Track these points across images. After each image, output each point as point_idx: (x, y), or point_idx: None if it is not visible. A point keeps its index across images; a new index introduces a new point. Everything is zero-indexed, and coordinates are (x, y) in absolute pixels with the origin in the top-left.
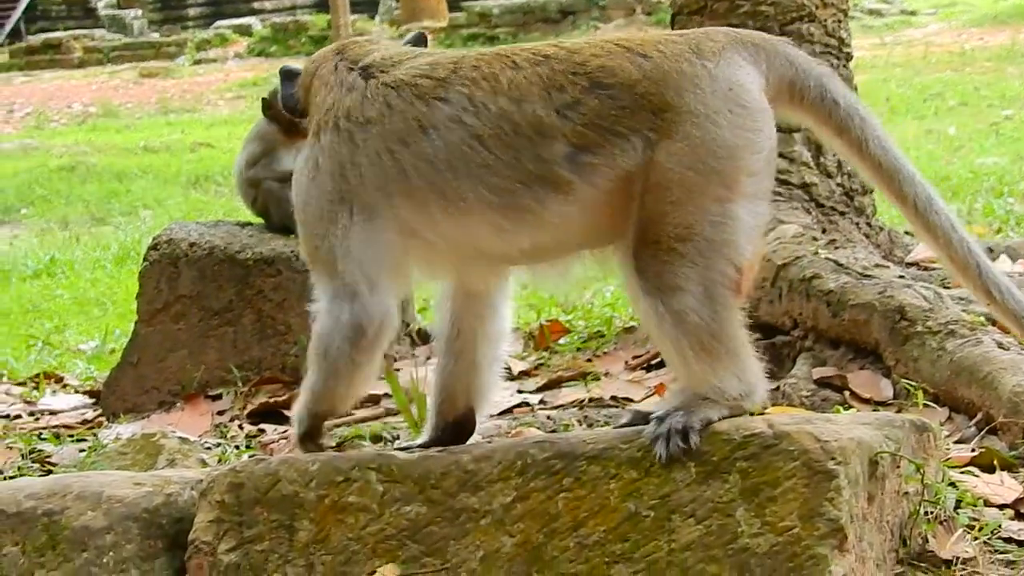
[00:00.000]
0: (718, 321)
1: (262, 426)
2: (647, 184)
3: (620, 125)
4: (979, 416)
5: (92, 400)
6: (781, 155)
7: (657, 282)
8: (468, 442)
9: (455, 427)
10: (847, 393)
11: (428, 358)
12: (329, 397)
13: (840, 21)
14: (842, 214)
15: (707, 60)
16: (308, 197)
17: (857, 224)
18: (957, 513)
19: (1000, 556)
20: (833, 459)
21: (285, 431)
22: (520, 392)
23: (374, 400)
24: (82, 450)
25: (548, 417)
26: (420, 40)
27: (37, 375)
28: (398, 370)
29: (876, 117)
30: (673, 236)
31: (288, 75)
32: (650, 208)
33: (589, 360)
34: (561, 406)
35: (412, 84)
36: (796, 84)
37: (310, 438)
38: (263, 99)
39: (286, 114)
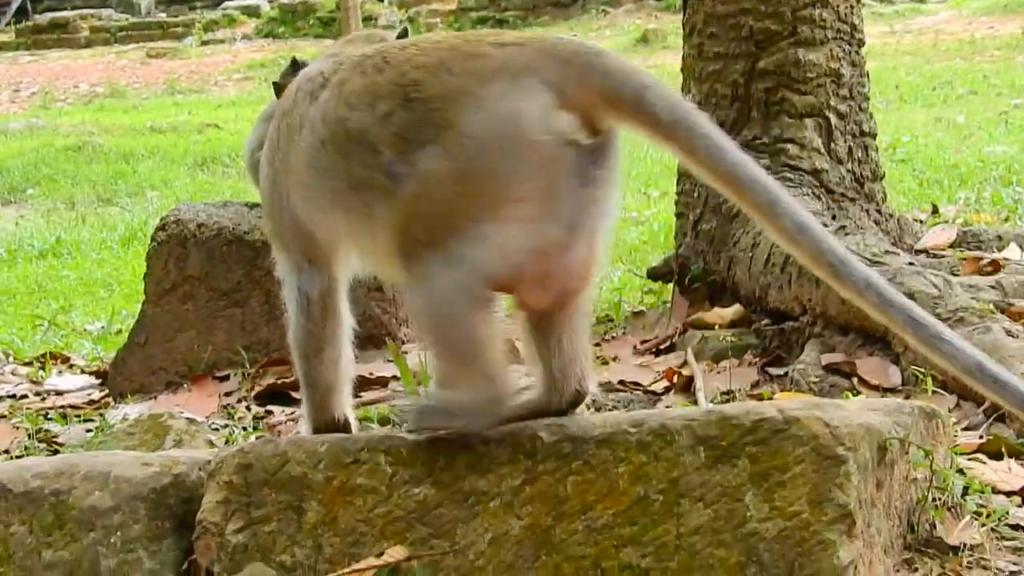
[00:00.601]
0: (455, 328)
1: (270, 407)
2: (420, 184)
3: (420, 138)
4: (987, 403)
5: (99, 380)
6: (791, 140)
7: (417, 270)
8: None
9: None
10: (856, 379)
11: None
12: (316, 394)
13: (852, 7)
14: (852, 200)
15: (500, 83)
16: (263, 176)
17: (867, 211)
18: (965, 500)
19: (1007, 543)
20: (842, 445)
21: (293, 412)
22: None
23: (382, 383)
24: (89, 430)
25: None
26: (403, 35)
27: (43, 355)
28: (406, 353)
29: (710, 123)
30: (425, 241)
31: None
32: (413, 205)
33: (597, 344)
34: None
35: (309, 80)
36: (610, 97)
37: None
38: (274, 83)
39: None
